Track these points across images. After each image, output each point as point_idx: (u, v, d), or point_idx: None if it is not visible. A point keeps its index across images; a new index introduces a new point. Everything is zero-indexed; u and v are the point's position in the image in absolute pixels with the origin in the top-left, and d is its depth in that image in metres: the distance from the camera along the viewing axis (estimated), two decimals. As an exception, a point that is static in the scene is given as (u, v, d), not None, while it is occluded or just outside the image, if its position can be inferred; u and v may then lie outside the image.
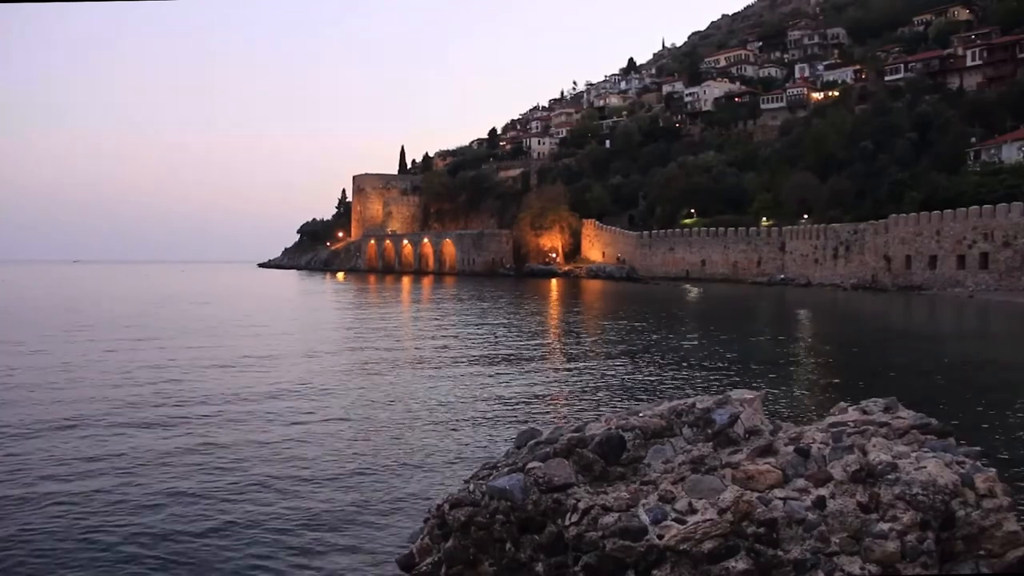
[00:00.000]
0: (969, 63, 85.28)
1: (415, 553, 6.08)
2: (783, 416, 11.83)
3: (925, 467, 5.03)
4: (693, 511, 5.10)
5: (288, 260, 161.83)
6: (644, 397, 15.17)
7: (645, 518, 5.12)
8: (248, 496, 9.08)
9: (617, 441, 5.73)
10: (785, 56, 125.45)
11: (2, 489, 9.36)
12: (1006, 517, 4.92)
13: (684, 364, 20.49)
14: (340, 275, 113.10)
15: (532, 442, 6.18)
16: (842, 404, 6.55)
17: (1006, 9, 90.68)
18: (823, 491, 5.10)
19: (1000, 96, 74.14)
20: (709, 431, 5.80)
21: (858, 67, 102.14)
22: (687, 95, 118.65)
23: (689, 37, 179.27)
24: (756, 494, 5.11)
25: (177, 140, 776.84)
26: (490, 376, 18.56)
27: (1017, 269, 52.02)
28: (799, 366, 20.99)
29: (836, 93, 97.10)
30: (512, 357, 22.17)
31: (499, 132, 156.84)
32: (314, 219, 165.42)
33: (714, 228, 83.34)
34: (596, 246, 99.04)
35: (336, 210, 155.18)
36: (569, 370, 19.82)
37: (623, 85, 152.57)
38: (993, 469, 5.21)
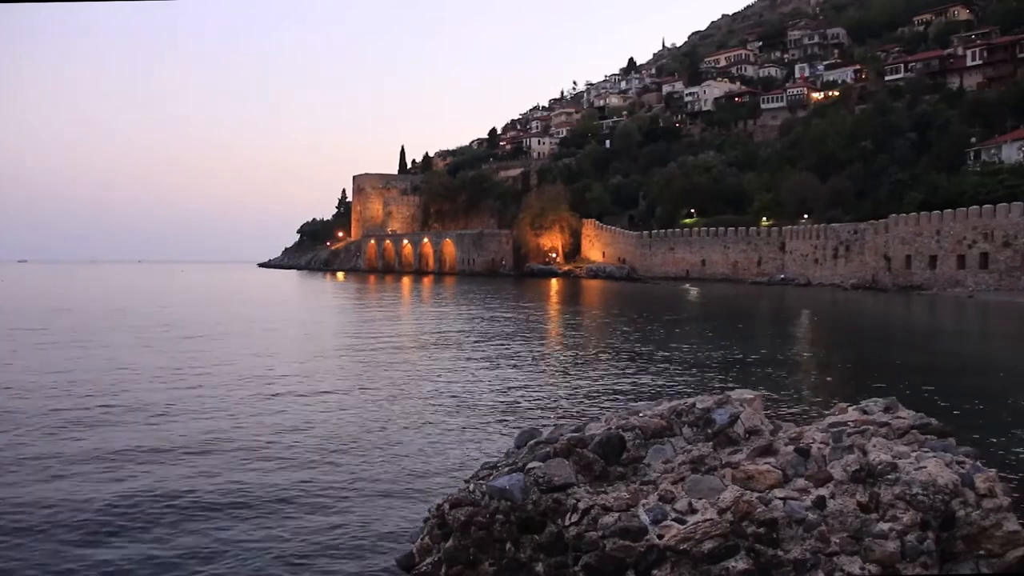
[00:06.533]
0: (969, 63, 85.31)
1: (415, 553, 6.08)
2: (783, 416, 11.82)
3: (925, 467, 5.03)
4: (693, 511, 5.10)
5: (288, 260, 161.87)
6: (644, 397, 15.16)
7: (645, 518, 5.12)
8: (247, 495, 9.08)
9: (617, 441, 5.73)
10: (785, 56, 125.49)
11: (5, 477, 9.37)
12: (1006, 517, 4.92)
13: (684, 364, 20.48)
14: (340, 275, 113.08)
15: (532, 442, 6.18)
16: (842, 404, 6.55)
17: (1006, 9, 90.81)
18: (823, 491, 5.10)
19: (1000, 96, 74.12)
20: (709, 431, 5.80)
21: (858, 67, 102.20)
22: (687, 95, 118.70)
23: (689, 37, 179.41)
24: (756, 494, 5.11)
25: (176, 140, 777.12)
26: (490, 376, 18.55)
27: (1017, 269, 52.01)
28: (799, 366, 20.98)
29: (836, 93, 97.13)
30: (512, 357, 22.16)
31: (499, 132, 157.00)
32: (314, 219, 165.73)
33: (714, 228, 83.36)
34: (596, 246, 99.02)
35: (336, 210, 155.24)
36: (569, 370, 19.81)
37: (623, 85, 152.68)
38: (993, 469, 5.22)
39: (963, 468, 5.11)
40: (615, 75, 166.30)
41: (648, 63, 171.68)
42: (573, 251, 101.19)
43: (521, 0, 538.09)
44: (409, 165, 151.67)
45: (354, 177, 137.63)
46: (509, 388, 16.85)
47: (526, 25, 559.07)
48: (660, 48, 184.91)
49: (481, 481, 5.87)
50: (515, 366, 20.33)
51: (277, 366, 20.33)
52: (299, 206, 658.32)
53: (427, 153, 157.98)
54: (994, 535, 4.87)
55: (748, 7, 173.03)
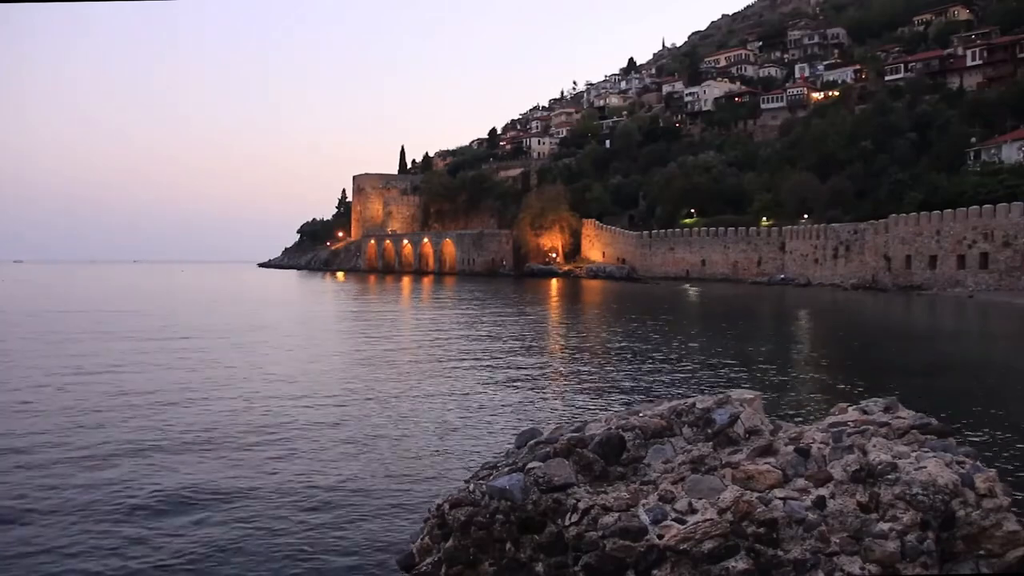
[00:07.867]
0: (969, 63, 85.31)
1: (415, 553, 6.07)
2: (783, 416, 11.82)
3: (925, 467, 5.02)
4: (693, 511, 5.10)
5: (288, 260, 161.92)
6: (644, 397, 15.16)
7: (645, 518, 5.12)
8: (247, 496, 9.08)
9: (617, 441, 5.72)
10: (785, 56, 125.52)
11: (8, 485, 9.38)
12: (1006, 517, 4.91)
13: (684, 364, 20.48)
14: (340, 275, 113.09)
15: (532, 442, 6.17)
16: (842, 404, 6.54)
17: (1006, 9, 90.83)
18: (823, 491, 5.09)
19: (1000, 96, 74.11)
20: (709, 431, 5.79)
21: (858, 67, 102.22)
22: (687, 95, 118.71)
23: (689, 37, 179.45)
24: (756, 494, 5.10)
25: (176, 140, 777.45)
26: (490, 376, 18.55)
27: (1017, 269, 52.00)
28: (799, 366, 20.98)
29: (836, 93, 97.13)
30: (512, 357, 22.16)
31: (499, 132, 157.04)
32: (314, 219, 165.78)
33: (714, 228, 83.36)
34: (596, 246, 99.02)
35: (336, 210, 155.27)
36: (569, 370, 19.81)
37: (623, 85, 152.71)
38: (993, 469, 5.21)
39: (963, 468, 5.10)
40: (615, 75, 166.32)
41: (648, 63, 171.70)
42: (573, 251, 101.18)
43: (521, 0, 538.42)
44: (409, 165, 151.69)
45: (354, 177, 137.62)
46: (509, 388, 16.85)
47: (526, 25, 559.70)
48: (660, 48, 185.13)
49: (481, 481, 5.86)
50: (515, 366, 20.33)
51: (277, 367, 20.33)
52: (299, 206, 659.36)
53: (427, 153, 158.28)
54: (994, 535, 4.86)
55: (748, 7, 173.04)
